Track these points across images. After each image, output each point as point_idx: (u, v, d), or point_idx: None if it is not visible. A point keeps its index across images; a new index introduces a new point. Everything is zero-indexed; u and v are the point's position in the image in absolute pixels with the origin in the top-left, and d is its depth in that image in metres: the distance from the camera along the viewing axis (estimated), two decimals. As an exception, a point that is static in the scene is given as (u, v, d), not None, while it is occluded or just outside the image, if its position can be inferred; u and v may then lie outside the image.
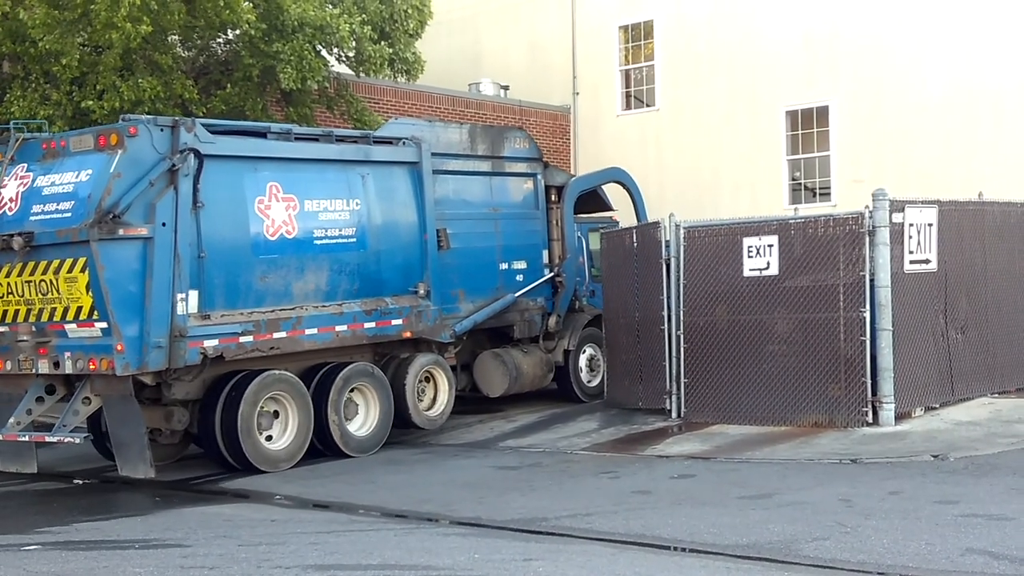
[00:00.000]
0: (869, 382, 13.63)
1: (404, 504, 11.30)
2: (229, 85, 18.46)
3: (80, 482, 13.41)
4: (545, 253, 17.70)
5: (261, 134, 14.02)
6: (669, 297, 15.27)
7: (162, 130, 12.72)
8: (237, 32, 18.34)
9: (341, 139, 14.94)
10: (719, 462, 12.67)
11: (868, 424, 13.62)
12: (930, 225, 14.38)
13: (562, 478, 12.34)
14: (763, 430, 14.01)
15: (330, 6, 19.05)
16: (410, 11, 20.43)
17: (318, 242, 14.16)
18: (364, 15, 19.37)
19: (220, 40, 19.26)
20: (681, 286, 15.11)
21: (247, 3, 17.25)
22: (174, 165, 12.63)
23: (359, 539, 9.87)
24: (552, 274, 17.61)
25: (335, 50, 19.46)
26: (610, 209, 19.48)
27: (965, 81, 21.95)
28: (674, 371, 15.21)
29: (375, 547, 9.33)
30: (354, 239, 14.57)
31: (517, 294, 17.02)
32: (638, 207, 19.14)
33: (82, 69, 16.89)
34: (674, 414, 15.23)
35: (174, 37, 18.38)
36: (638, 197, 19.23)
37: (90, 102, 16.69)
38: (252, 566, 8.61)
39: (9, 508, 12.33)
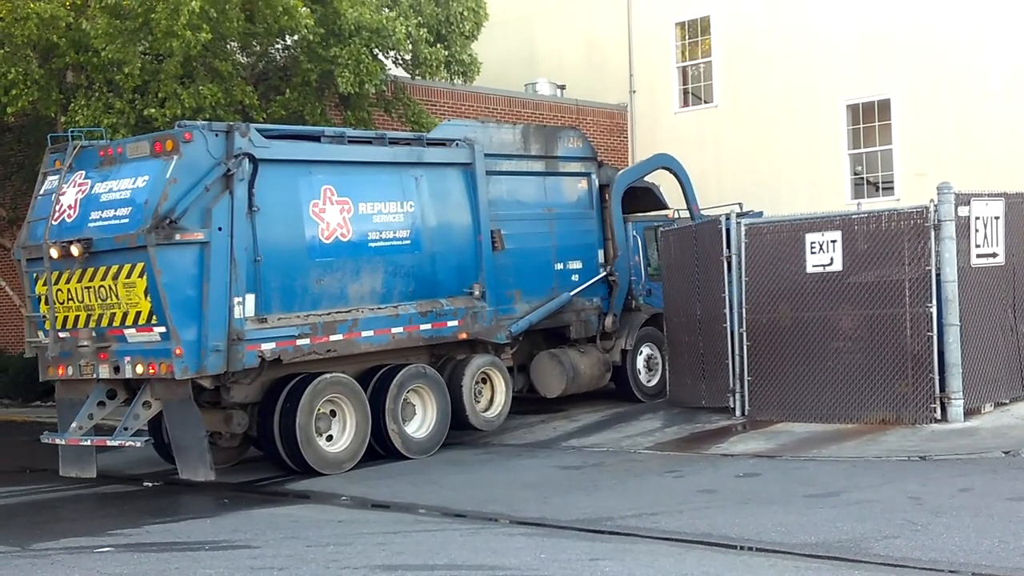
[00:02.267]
0: (937, 378, 13.44)
1: (468, 504, 11.32)
2: (288, 90, 18.62)
3: (149, 485, 13.59)
4: (600, 253, 17.62)
5: (315, 138, 14.10)
6: (731, 294, 15.15)
7: (217, 135, 12.83)
8: (295, 38, 18.50)
9: (394, 141, 14.98)
10: (785, 460, 12.56)
11: (936, 421, 13.43)
12: (997, 218, 14.15)
13: (626, 477, 12.30)
14: (829, 428, 13.86)
15: (386, 9, 19.16)
16: (466, 13, 20.50)
17: (373, 244, 14.20)
18: (420, 18, 19.48)
19: (279, 46, 19.44)
20: (743, 283, 14.99)
21: (305, 8, 17.38)
22: (229, 170, 12.73)
23: (425, 539, 9.90)
24: (605, 273, 17.51)
25: (392, 53, 19.56)
26: (666, 208, 19.32)
27: (1025, 70, 21.57)
28: (737, 369, 15.09)
29: (441, 547, 9.35)
30: (408, 241, 14.60)
31: (572, 293, 16.96)
32: (687, 192, 18.93)
33: (144, 77, 17.13)
34: (738, 412, 15.11)
35: (233, 44, 18.58)
36: (687, 182, 19.00)
37: (152, 110, 16.92)
38: (320, 567, 8.67)
39: (81, 510, 12.54)
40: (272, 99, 18.70)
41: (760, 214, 19.86)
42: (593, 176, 17.65)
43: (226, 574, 8.55)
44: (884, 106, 23.46)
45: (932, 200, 13.62)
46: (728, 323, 15.17)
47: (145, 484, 13.67)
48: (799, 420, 14.31)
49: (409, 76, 20.63)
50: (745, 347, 14.95)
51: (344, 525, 10.72)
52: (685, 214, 19.07)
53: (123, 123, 17.04)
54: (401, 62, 20.12)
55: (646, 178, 18.97)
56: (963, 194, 13.71)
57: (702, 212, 18.68)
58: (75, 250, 12.61)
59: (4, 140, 20.05)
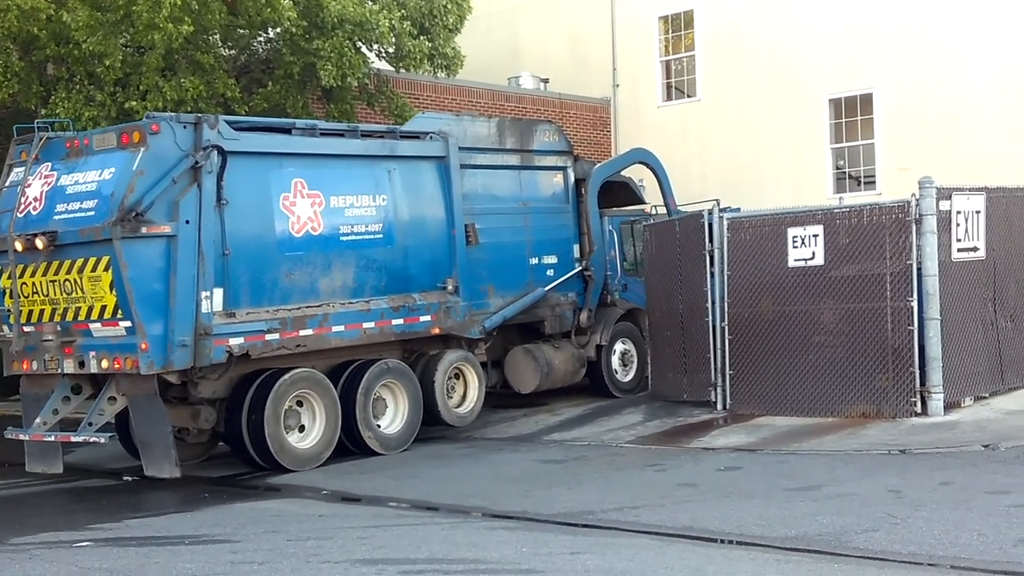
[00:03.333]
0: (917, 372, 13.50)
1: (450, 498, 11.31)
2: (270, 83, 18.55)
3: (128, 479, 13.53)
4: (576, 247, 17.52)
5: (286, 130, 13.94)
6: (713, 289, 15.17)
7: (185, 127, 12.67)
8: (278, 30, 18.43)
9: (367, 134, 14.84)
10: (766, 454, 12.59)
11: (917, 414, 13.48)
12: (978, 212, 14.21)
13: (608, 471, 12.31)
14: (810, 421, 13.90)
15: (370, 2, 19.10)
16: (449, 6, 20.45)
17: (344, 238, 14.08)
18: (403, 11, 19.42)
19: (261, 39, 19.37)
20: (725, 277, 15.01)
21: (287, 1, 17.31)
22: (197, 162, 12.58)
23: (406, 533, 9.88)
24: (580, 268, 17.45)
25: (375, 46, 19.51)
26: (643, 202, 19.26)
27: (1011, 67, 21.64)
28: (719, 363, 15.12)
29: (422, 541, 9.34)
30: (381, 235, 14.48)
31: (546, 288, 16.86)
32: (664, 187, 18.87)
33: (125, 70, 17.04)
34: (719, 406, 15.14)
35: (215, 36, 18.50)
36: (664, 177, 18.93)
37: (134, 102, 16.83)
38: (301, 561, 8.65)
39: (59, 505, 12.49)
40: (254, 92, 18.63)
41: (738, 210, 19.88)
42: (569, 170, 17.55)
43: (206, 568, 8.52)
44: (867, 100, 23.51)
45: (914, 194, 13.66)
46: (710, 317, 15.19)
47: (124, 478, 13.62)
48: (780, 414, 14.35)
49: (392, 69, 20.58)
50: (727, 341, 14.98)
51: (324, 519, 10.69)
52: (662, 209, 19.04)
53: (104, 116, 16.95)
54: (384, 55, 20.07)
55: (623, 172, 18.91)
56: (944, 188, 13.75)
57: (679, 208, 18.66)
58: (40, 243, 12.42)
59: (-17, 132, 19.94)
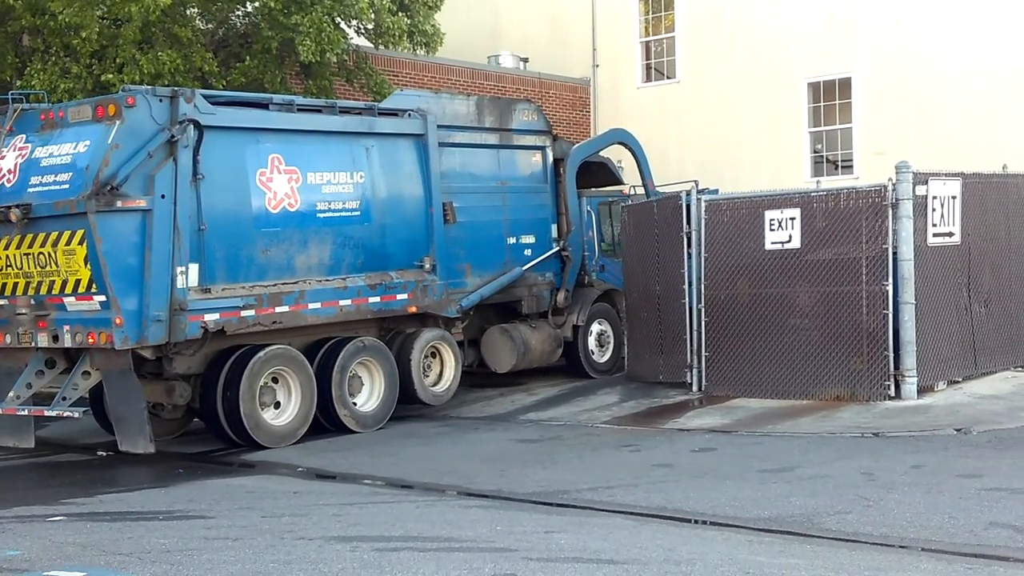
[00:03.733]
0: (892, 356, 13.58)
1: (425, 476, 11.33)
2: (248, 58, 18.42)
3: (103, 454, 13.48)
4: (554, 227, 17.51)
5: (263, 105, 13.84)
6: (690, 270, 15.21)
7: (161, 101, 12.57)
8: (256, 4, 18.28)
9: (345, 111, 14.76)
10: (740, 436, 12.66)
11: (890, 398, 13.57)
12: (954, 198, 14.28)
13: (583, 451, 12.35)
14: (784, 404, 13.98)
15: (349, -22, 18.95)
16: (430, -18, 20.34)
17: (321, 215, 14.02)
18: (383, -13, 19.27)
19: (239, 12, 19.22)
20: (702, 259, 15.05)
21: (266, -25, 17.18)
22: (173, 136, 12.49)
23: (381, 511, 9.90)
24: (558, 248, 17.45)
25: (354, 22, 19.38)
26: (621, 183, 19.27)
27: (987, 54, 21.72)
28: (695, 345, 15.18)
29: (397, 519, 9.35)
30: (358, 212, 14.43)
31: (524, 268, 16.85)
32: (643, 168, 18.87)
33: (102, 42, 16.88)
34: (695, 388, 15.20)
35: (193, 10, 18.36)
36: (642, 158, 18.94)
37: (110, 75, 16.68)
38: (275, 537, 8.65)
39: (34, 479, 12.44)
40: (232, 66, 18.49)
41: (716, 192, 19.90)
42: (547, 150, 17.52)
43: (180, 544, 8.50)
44: (845, 84, 23.56)
45: (890, 179, 13.72)
46: (687, 299, 15.24)
47: (99, 453, 13.56)
48: (755, 396, 14.42)
49: (371, 46, 20.47)
50: (703, 323, 15.03)
51: (300, 496, 10.69)
52: (640, 190, 19.05)
53: (80, 88, 16.80)
54: (363, 31, 19.94)
55: (602, 153, 18.89)
56: (921, 173, 13.81)
57: (657, 189, 18.67)
58: (14, 216, 12.31)
59: (-43, 104, 19.73)
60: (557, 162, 17.63)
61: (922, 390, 13.71)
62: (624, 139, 19.12)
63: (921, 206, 13.76)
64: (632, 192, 19.42)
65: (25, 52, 17.84)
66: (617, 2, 26.72)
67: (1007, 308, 15.31)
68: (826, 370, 13.96)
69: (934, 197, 13.97)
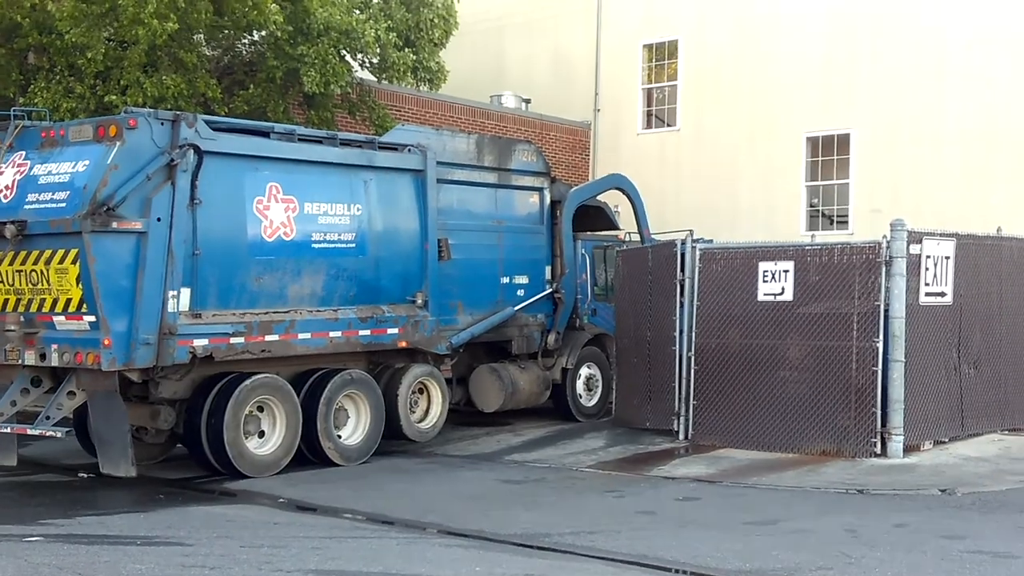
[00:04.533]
0: (879, 413, 13.58)
1: (408, 513, 11.27)
2: (252, 86, 18.50)
3: (84, 475, 13.39)
4: (548, 269, 17.51)
5: (264, 133, 13.87)
6: (681, 318, 15.23)
7: (162, 124, 12.60)
8: (263, 33, 18.39)
9: (345, 143, 14.79)
10: (725, 486, 12.62)
11: (876, 455, 13.56)
12: (947, 258, 14.34)
13: (567, 495, 12.30)
14: (770, 456, 13.96)
15: (357, 12, 19.11)
16: (436, 20, 20.52)
17: (316, 245, 14.01)
18: (390, 22, 19.45)
19: (245, 41, 19.32)
20: (694, 307, 15.07)
21: (274, 5, 17.29)
22: (173, 160, 12.49)
23: (361, 546, 9.84)
24: (551, 290, 17.44)
25: (359, 55, 19.52)
26: (617, 228, 19.29)
27: (984, 116, 21.86)
28: (683, 393, 15.17)
29: (377, 555, 9.30)
30: (353, 244, 14.42)
31: (516, 308, 16.84)
32: (639, 214, 18.91)
33: (107, 64, 16.95)
34: (681, 436, 15.18)
35: (200, 36, 18.43)
36: (639, 204, 18.97)
37: (113, 97, 16.73)
38: (253, 568, 8.59)
39: (12, 498, 12.34)
40: (236, 94, 18.57)
41: (710, 242, 19.89)
42: (545, 191, 17.57)
43: (156, 571, 8.45)
44: (844, 140, 23.69)
45: (885, 236, 13.78)
46: (677, 346, 15.24)
47: (80, 475, 13.48)
48: (742, 447, 14.40)
49: (376, 79, 20.59)
50: (692, 371, 15.03)
51: (280, 527, 10.62)
52: (636, 236, 19.09)
53: (83, 108, 16.85)
54: (368, 65, 20.07)
55: (599, 197, 18.94)
56: (915, 232, 13.88)
57: (653, 236, 18.72)
58: (8, 232, 12.31)
59: (-41, 118, 19.77)
60: (554, 204, 17.66)
61: (908, 449, 13.70)
62: (622, 185, 19.17)
63: (914, 265, 13.81)
64: (627, 238, 19.46)
65: (30, 70, 17.90)
66: (621, 48, 26.90)
67: (996, 370, 15.33)
68: (813, 424, 13.95)
69: (928, 256, 14.03)
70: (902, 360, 13.60)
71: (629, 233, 19.44)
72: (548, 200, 17.59)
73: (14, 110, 13.46)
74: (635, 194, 19.05)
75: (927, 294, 14.08)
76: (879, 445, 13.59)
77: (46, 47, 17.40)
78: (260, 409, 13.32)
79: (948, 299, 14.41)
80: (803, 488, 12.35)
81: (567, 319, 17.71)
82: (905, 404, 13.60)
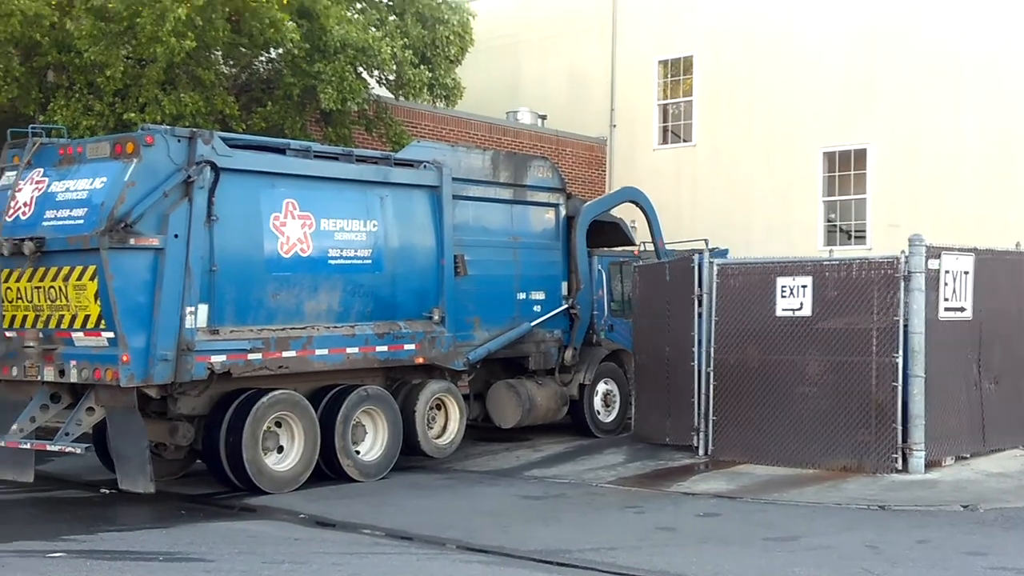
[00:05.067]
0: (900, 428, 13.53)
1: (427, 529, 11.25)
2: (270, 103, 18.59)
3: (106, 491, 13.41)
4: (564, 284, 17.45)
5: (280, 150, 13.90)
6: (700, 333, 15.20)
7: (179, 141, 12.64)
8: (280, 51, 18.48)
9: (361, 159, 14.79)
10: (745, 502, 12.58)
11: (897, 471, 13.50)
12: (966, 273, 14.29)
13: (587, 511, 12.28)
14: (791, 472, 13.91)
15: (373, 29, 19.19)
16: (452, 37, 20.57)
17: (333, 262, 14.02)
18: (406, 39, 19.50)
19: (263, 58, 19.41)
20: (713, 323, 15.04)
21: (292, 23, 17.38)
22: (189, 177, 12.53)
23: (381, 562, 9.84)
24: (566, 306, 17.41)
25: (376, 72, 19.60)
26: (633, 243, 19.26)
27: (1003, 131, 21.85)
28: (703, 408, 15.13)
29: (397, 571, 9.30)
30: (370, 260, 14.43)
31: (532, 324, 16.81)
32: (653, 228, 18.88)
33: (126, 81, 17.04)
34: (701, 451, 15.14)
35: (217, 53, 18.53)
36: (654, 217, 18.94)
37: (132, 114, 16.82)
38: (275, 584, 8.60)
39: (35, 514, 12.39)
40: (253, 111, 18.66)
41: (726, 252, 19.95)
42: (561, 207, 17.51)
43: (179, 586, 8.46)
44: (860, 155, 23.68)
45: (903, 251, 13.75)
46: (696, 362, 15.21)
47: (101, 491, 13.49)
48: (762, 462, 14.35)
49: (392, 96, 20.66)
50: (712, 387, 15.00)
51: (300, 543, 10.63)
52: (651, 246, 19.06)
53: (102, 126, 16.94)
54: (385, 82, 20.14)
55: (615, 213, 18.92)
56: (934, 247, 13.84)
57: (667, 247, 18.70)
58: (27, 248, 12.37)
59: (-21, 135, 19.90)
60: (570, 219, 17.63)
61: (929, 465, 13.64)
62: (636, 198, 19.15)
63: (933, 280, 13.78)
64: (643, 248, 19.45)
65: (49, 88, 18.01)
66: (636, 64, 26.96)
67: (1017, 385, 15.27)
68: (834, 440, 13.90)
69: (946, 271, 13.99)
70: (922, 375, 13.55)
71: (644, 243, 19.42)
72: (564, 215, 17.58)
73: (32, 128, 13.54)
74: (649, 207, 19.02)
75: (946, 309, 14.04)
76: (900, 461, 13.54)
77: (65, 65, 17.52)
78: (278, 425, 13.33)
79: (967, 314, 14.36)
80: (824, 504, 12.30)
81: (583, 334, 17.68)
82: (926, 420, 13.55)
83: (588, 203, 18.28)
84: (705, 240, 20.69)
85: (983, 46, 22.18)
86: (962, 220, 21.41)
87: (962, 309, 14.30)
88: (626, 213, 19.49)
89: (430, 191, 15.36)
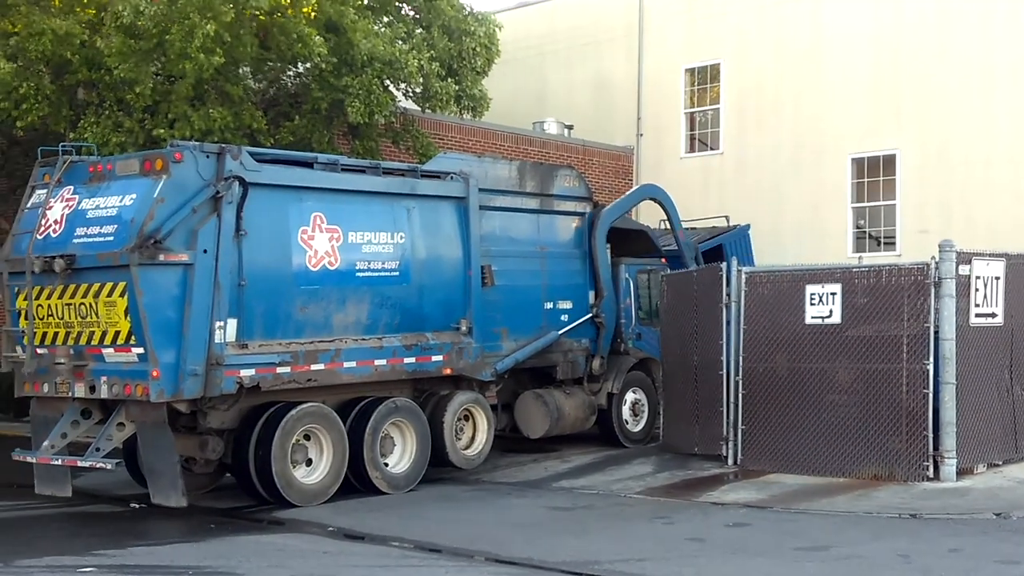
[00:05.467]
0: (931, 436, 13.41)
1: (456, 541, 11.25)
2: (297, 117, 18.72)
3: (136, 506, 13.51)
4: (592, 293, 17.43)
5: (307, 164, 13.95)
6: (728, 342, 15.13)
7: (208, 157, 12.71)
8: (308, 65, 18.61)
9: (388, 172, 14.83)
10: (775, 512, 12.50)
11: (929, 479, 13.38)
12: (997, 279, 14.17)
13: (615, 521, 12.24)
14: (821, 481, 13.81)
15: (399, 42, 19.28)
16: (478, 49, 20.64)
17: (360, 274, 14.05)
18: (433, 52, 19.59)
19: (291, 73, 19.56)
20: (741, 331, 14.97)
21: (319, 37, 17.49)
22: (218, 192, 12.60)
23: (411, 574, 9.84)
24: (590, 315, 17.35)
25: (403, 85, 19.69)
26: (661, 252, 19.17)
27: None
28: (732, 417, 15.06)
29: (426, 584, 9.30)
30: (397, 272, 14.46)
31: (559, 332, 16.78)
32: (673, 222, 18.83)
33: (155, 98, 17.21)
34: (730, 461, 15.07)
35: (245, 69, 18.69)
36: (673, 211, 18.86)
37: (162, 130, 16.98)
38: (303, 597, 8.62)
39: (66, 529, 12.47)
40: (281, 125, 18.79)
41: (747, 227, 19.95)
42: (588, 216, 17.55)
43: (208, 600, 8.50)
44: (890, 161, 23.55)
45: (933, 257, 13.65)
46: (724, 370, 15.14)
47: (132, 505, 13.59)
48: (791, 471, 14.26)
49: (419, 109, 20.75)
50: (740, 395, 14.92)
51: (330, 556, 10.66)
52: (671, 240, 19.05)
53: (132, 142, 17.11)
54: (412, 95, 20.23)
55: (639, 219, 18.87)
56: (964, 252, 13.73)
57: (685, 227, 18.69)
58: (58, 266, 12.48)
59: (12, 154, 20.13)
60: (591, 226, 17.56)
61: (961, 472, 13.52)
62: (653, 194, 19.12)
63: (964, 286, 13.66)
64: (661, 225, 19.38)
65: (80, 105, 18.20)
66: (663, 72, 26.94)
67: (1050, 392, 15.09)
68: (864, 448, 13.80)
69: (977, 277, 13.87)
70: (953, 382, 13.44)
71: (662, 222, 19.24)
72: (590, 224, 17.53)
73: (63, 145, 13.67)
74: (668, 201, 18.96)
75: (977, 315, 13.92)
76: (931, 468, 13.42)
77: (95, 83, 17.71)
78: (307, 438, 13.37)
79: (999, 320, 14.23)
80: (855, 513, 12.21)
81: (610, 343, 17.62)
82: (957, 427, 13.43)
83: (606, 207, 17.98)
84: (726, 217, 20.70)
85: (1014, 49, 22.02)
86: (994, 225, 21.25)
87: (993, 315, 14.17)
88: (650, 217, 19.47)
89: (457, 202, 15.38)
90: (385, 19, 20.35)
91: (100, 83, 17.59)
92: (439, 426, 14.82)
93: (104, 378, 12.52)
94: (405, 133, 20.43)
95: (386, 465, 14.13)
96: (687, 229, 19.30)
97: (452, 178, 15.39)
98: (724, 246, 20.18)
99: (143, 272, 12.12)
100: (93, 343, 12.62)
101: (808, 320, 14.39)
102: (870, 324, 13.94)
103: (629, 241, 18.33)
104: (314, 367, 13.43)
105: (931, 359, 13.41)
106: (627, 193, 18.91)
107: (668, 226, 19.02)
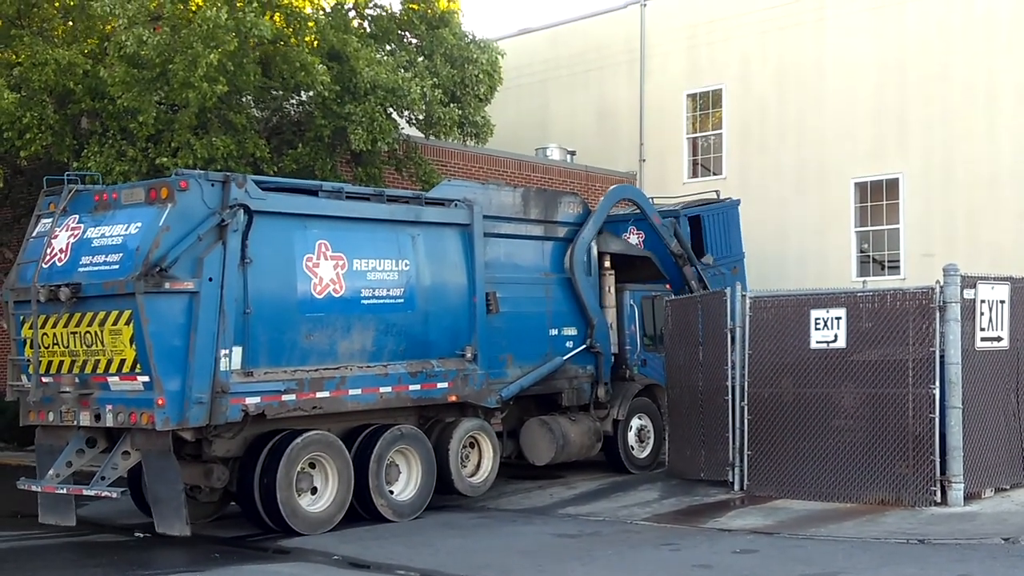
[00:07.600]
0: (938, 461, 13.34)
1: (462, 569, 11.20)
2: (301, 145, 18.75)
3: (140, 535, 13.45)
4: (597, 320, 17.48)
5: (312, 192, 13.99)
6: (733, 367, 15.10)
7: (213, 185, 12.75)
8: (311, 94, 18.65)
9: (393, 199, 14.85)
10: (783, 538, 12.43)
11: (936, 504, 13.31)
12: (1002, 302, 14.14)
13: (622, 548, 12.18)
14: (828, 506, 13.75)
15: (402, 70, 19.34)
16: (481, 76, 20.69)
17: (365, 302, 14.06)
18: (435, 79, 19.64)
19: (293, 101, 19.60)
20: (746, 356, 14.94)
21: (322, 66, 17.54)
22: (223, 220, 12.64)
23: (416, 604, 9.78)
24: (585, 346, 17.10)
25: (406, 112, 19.73)
26: (665, 279, 19.13)
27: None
28: (738, 443, 15.01)
29: (432, 613, 9.24)
30: (402, 300, 14.47)
31: (564, 359, 16.77)
32: (647, 212, 18.84)
33: (158, 127, 17.25)
34: (737, 486, 15.00)
35: (248, 97, 18.74)
36: (645, 203, 18.93)
37: (165, 159, 17.03)
38: (309, 628, 8.57)
39: (70, 559, 12.43)
40: (284, 153, 18.82)
41: (738, 202, 20.02)
42: (592, 242, 17.52)
43: (213, 631, 8.45)
44: (893, 185, 23.56)
45: (938, 281, 13.62)
46: (729, 396, 15.11)
47: (136, 534, 13.54)
48: (798, 497, 14.20)
49: (422, 135, 20.79)
50: (746, 421, 14.87)
51: (335, 585, 10.60)
52: (666, 202, 19.53)
53: (135, 171, 17.14)
54: (415, 121, 20.27)
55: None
56: (969, 276, 13.71)
57: (671, 206, 19.10)
58: (63, 294, 12.51)
59: (16, 183, 20.18)
60: (600, 255, 17.59)
61: (969, 497, 13.45)
62: (625, 194, 19.26)
63: (969, 309, 13.63)
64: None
65: (83, 134, 18.25)
66: (665, 98, 27.01)
67: (1057, 415, 15.03)
68: (871, 473, 13.74)
69: (982, 301, 13.84)
70: (959, 407, 13.39)
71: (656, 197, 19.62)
72: (596, 251, 17.51)
73: (68, 174, 13.71)
74: (640, 197, 19.22)
75: (983, 339, 13.88)
76: (939, 493, 13.35)
77: (99, 112, 17.76)
78: (312, 466, 13.34)
79: (1004, 344, 14.19)
80: (863, 538, 12.14)
81: (610, 370, 17.55)
82: (964, 451, 13.37)
83: (581, 234, 17.10)
84: (716, 191, 20.78)
85: (1016, 71, 22.05)
86: (998, 249, 21.23)
87: (999, 339, 14.13)
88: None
89: (461, 229, 15.39)
90: (388, 47, 20.42)
91: (103, 112, 17.64)
92: (444, 453, 14.77)
93: (109, 406, 12.51)
94: (408, 160, 20.47)
95: (391, 493, 14.09)
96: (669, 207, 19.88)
97: (456, 205, 15.40)
98: (702, 218, 20.15)
99: (148, 300, 12.13)
100: (98, 371, 12.63)
101: (813, 345, 14.36)
102: (875, 349, 13.91)
103: (633, 268, 18.31)
104: (319, 395, 13.41)
105: (937, 383, 13.37)
106: (596, 209, 17.71)
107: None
